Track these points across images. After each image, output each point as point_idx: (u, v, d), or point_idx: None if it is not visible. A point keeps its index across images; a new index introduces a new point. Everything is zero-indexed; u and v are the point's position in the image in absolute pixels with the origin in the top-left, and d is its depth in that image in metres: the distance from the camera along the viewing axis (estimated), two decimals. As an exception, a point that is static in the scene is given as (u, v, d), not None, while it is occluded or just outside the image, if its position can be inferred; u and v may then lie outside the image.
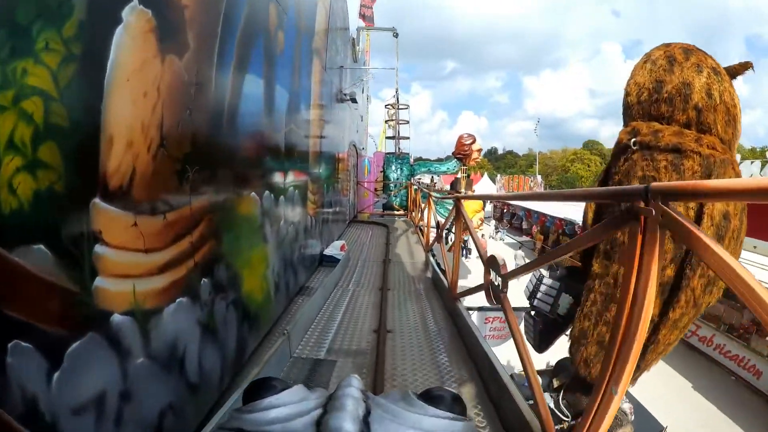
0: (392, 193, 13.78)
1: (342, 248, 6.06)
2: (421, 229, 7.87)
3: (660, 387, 6.83)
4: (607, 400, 1.35)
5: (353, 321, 3.61)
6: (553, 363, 5.71)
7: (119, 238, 1.72)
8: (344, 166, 9.30)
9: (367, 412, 0.56)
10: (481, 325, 5.28)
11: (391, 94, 16.24)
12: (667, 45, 3.25)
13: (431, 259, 5.78)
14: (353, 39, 11.00)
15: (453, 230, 5.55)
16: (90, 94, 1.54)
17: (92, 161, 1.56)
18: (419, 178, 13.87)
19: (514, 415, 2.11)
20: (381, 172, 14.88)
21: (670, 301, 2.86)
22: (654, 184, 1.20)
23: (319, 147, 5.91)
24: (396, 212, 12.96)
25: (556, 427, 2.94)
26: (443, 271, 5.14)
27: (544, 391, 3.19)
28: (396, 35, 15.39)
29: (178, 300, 2.16)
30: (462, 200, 3.62)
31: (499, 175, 39.99)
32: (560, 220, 19.11)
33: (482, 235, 16.89)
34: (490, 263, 2.46)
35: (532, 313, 5.06)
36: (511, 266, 2.41)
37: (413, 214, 10.03)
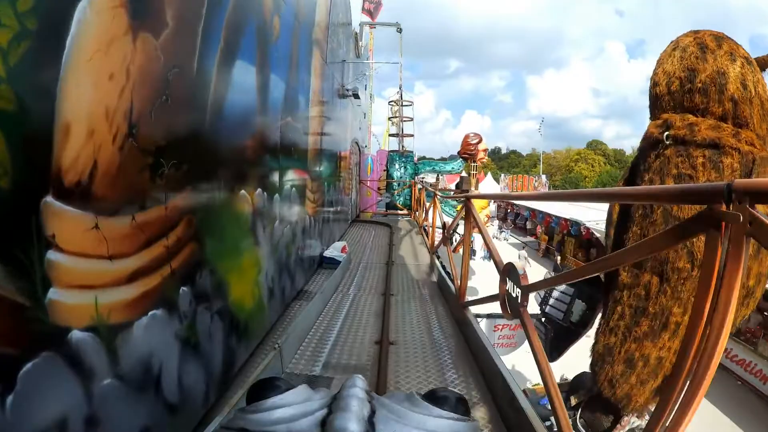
0: (396, 192, 13.49)
1: (343, 250, 5.78)
2: (425, 230, 7.59)
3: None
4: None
5: (353, 331, 3.32)
6: (564, 374, 5.41)
7: (76, 243, 1.47)
8: (346, 163, 9.02)
9: (372, 413, 0.55)
10: (489, 333, 5.00)
11: (394, 93, 15.97)
12: (696, 32, 2.95)
13: (436, 261, 5.49)
14: (356, 34, 10.70)
15: (458, 230, 5.26)
16: (45, 75, 1.31)
17: (44, 153, 1.31)
18: (423, 177, 13.58)
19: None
20: (384, 170, 14.57)
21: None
22: (738, 181, 0.92)
23: (319, 143, 5.63)
24: (399, 212, 12.69)
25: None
26: (448, 273, 4.87)
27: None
28: (400, 30, 15.10)
29: (151, 312, 1.89)
30: (472, 200, 3.33)
31: (503, 175, 39.54)
32: (566, 220, 18.83)
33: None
34: (508, 272, 2.16)
35: (543, 319, 4.80)
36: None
37: (417, 213, 9.76)
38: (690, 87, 2.71)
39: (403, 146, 15.67)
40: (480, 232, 2.90)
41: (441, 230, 5.60)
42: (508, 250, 21.23)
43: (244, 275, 2.92)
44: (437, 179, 13.53)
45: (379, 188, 14.30)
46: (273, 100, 3.44)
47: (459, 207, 11.50)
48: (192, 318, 2.23)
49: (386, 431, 0.53)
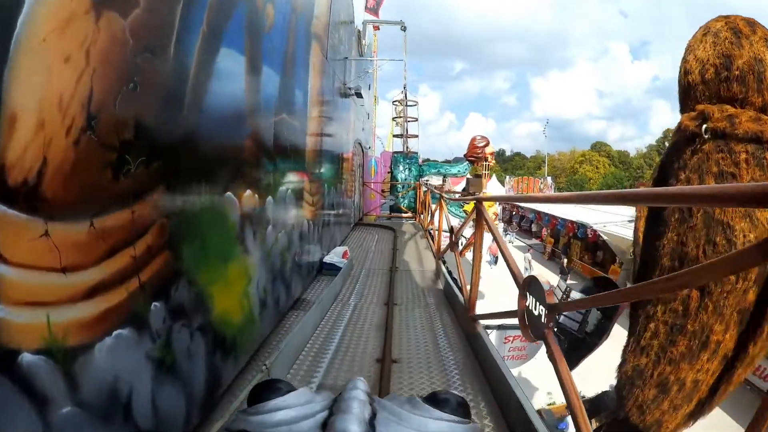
0: (400, 194, 13.19)
1: (344, 255, 5.50)
2: (430, 234, 7.30)
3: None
4: None
5: (352, 347, 3.04)
6: (581, 390, 5.09)
7: (22, 253, 1.22)
8: (349, 165, 8.74)
9: (373, 415, 0.55)
10: (500, 346, 4.69)
11: (399, 93, 15.68)
12: (726, 17, 2.69)
13: (443, 267, 5.20)
14: (359, 31, 10.44)
15: (463, 234, 4.96)
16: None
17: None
18: (427, 180, 13.29)
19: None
20: (388, 172, 14.27)
21: (750, 332, 2.27)
22: None
23: (319, 143, 5.35)
24: (404, 215, 12.40)
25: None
26: (455, 280, 4.58)
27: None
28: (404, 29, 14.80)
29: (116, 332, 1.62)
30: (483, 203, 3.04)
31: (508, 177, 39.14)
32: (572, 222, 18.51)
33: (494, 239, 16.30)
34: (528, 285, 1.86)
35: (555, 330, 4.48)
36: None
37: (422, 216, 9.48)
38: (727, 75, 2.44)
39: (407, 147, 15.37)
40: (493, 236, 2.60)
41: (447, 233, 5.32)
42: (513, 252, 20.74)
43: (230, 286, 2.64)
44: (443, 181, 13.25)
45: (382, 190, 14.01)
46: (266, 95, 3.17)
47: (465, 207, 11.24)
48: (167, 337, 1.96)
49: None
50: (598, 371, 4.24)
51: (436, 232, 6.06)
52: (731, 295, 2.13)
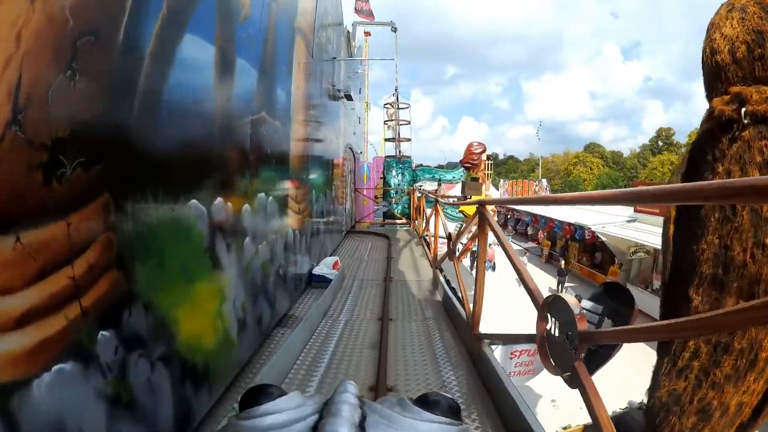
0: (393, 200, 12.85)
1: (335, 266, 5.14)
2: (426, 241, 6.96)
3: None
4: None
5: (342, 371, 2.68)
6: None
7: None
8: (339, 170, 8.40)
9: (363, 418, 0.53)
10: (505, 362, 4.34)
11: (390, 96, 15.36)
12: None
13: (440, 277, 4.85)
14: (348, 33, 10.13)
15: (461, 240, 4.63)
16: None
17: None
18: (421, 185, 12.98)
19: None
20: (381, 178, 13.93)
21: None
22: None
23: (306, 146, 5.01)
24: (398, 221, 12.06)
25: None
26: (454, 290, 4.24)
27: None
28: (395, 30, 14.56)
29: (56, 367, 1.31)
30: (485, 207, 2.71)
31: (502, 180, 38.95)
32: (569, 225, 18.23)
33: (489, 245, 16.08)
34: (552, 308, 1.53)
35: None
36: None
37: (417, 222, 9.14)
38: (761, 52, 2.16)
39: (400, 151, 15.04)
40: (501, 246, 2.27)
41: (444, 240, 4.99)
42: (511, 256, 20.59)
43: (198, 307, 2.28)
44: (438, 186, 12.96)
45: (376, 197, 13.68)
46: (240, 90, 2.83)
47: (463, 208, 10.93)
48: (120, 370, 1.63)
49: None
50: (609, 379, 3.94)
51: (432, 239, 5.72)
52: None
